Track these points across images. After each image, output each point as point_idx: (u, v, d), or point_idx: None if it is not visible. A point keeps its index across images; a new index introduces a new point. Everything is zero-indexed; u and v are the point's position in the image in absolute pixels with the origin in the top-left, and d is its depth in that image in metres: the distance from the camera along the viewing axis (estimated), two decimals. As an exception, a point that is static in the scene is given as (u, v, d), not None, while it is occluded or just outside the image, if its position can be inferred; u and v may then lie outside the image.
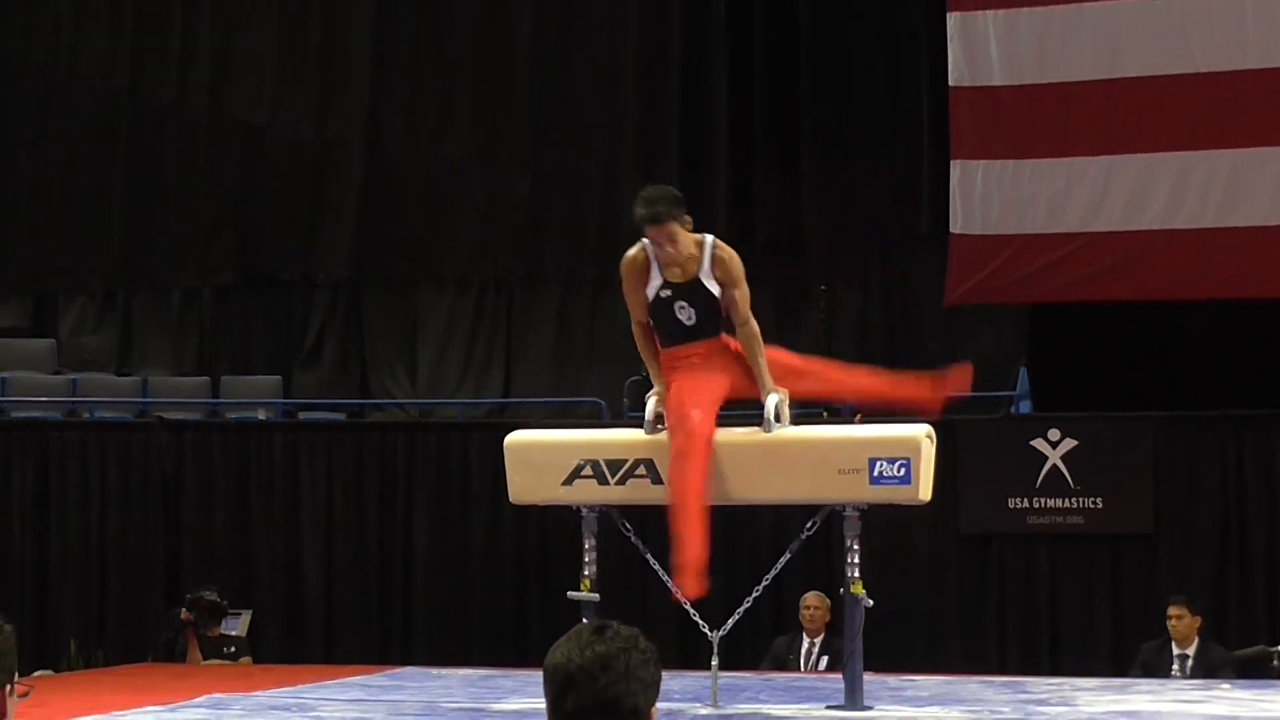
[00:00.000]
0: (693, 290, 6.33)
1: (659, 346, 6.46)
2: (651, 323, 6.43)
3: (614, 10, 13.50)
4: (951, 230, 11.63)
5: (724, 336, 6.43)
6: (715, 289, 6.33)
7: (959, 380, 6.89)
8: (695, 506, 6.18)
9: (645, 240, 6.38)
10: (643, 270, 6.40)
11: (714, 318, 6.36)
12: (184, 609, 10.64)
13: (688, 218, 6.33)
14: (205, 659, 10.47)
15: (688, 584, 6.22)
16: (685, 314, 6.34)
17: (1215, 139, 11.13)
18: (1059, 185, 11.42)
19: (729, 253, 6.37)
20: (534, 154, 13.53)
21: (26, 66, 14.34)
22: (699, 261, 6.32)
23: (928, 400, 6.71)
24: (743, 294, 6.35)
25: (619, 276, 13.09)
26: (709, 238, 6.38)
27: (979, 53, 11.54)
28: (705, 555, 6.19)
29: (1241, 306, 11.61)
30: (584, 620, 6.15)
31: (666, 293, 6.35)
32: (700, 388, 6.31)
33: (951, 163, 11.66)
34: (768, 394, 6.28)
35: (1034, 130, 11.51)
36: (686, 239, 6.31)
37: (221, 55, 14.02)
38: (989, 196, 11.53)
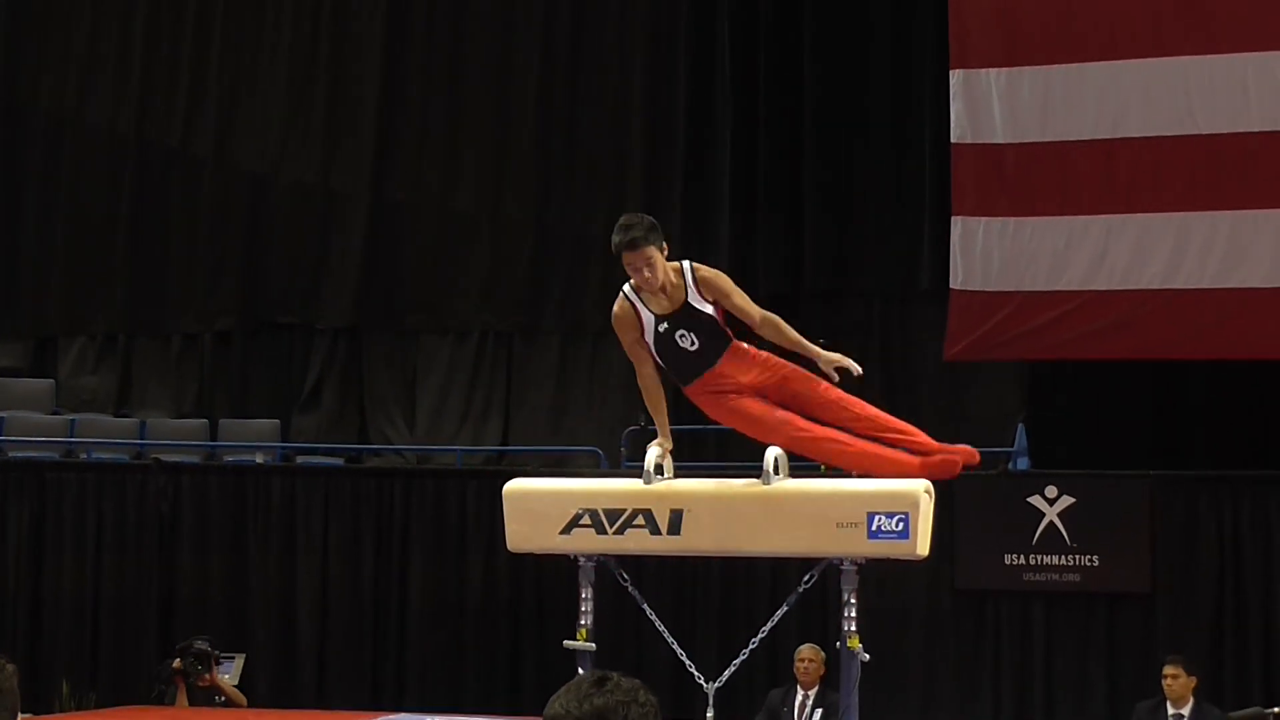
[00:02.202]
0: (687, 314, 6.31)
1: (682, 388, 6.46)
2: (664, 365, 6.41)
3: (620, 66, 13.58)
4: (951, 286, 11.65)
5: (735, 345, 6.40)
6: (708, 308, 6.31)
7: (956, 462, 6.54)
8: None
9: (625, 289, 6.39)
10: (633, 318, 6.38)
11: (715, 337, 6.34)
12: (176, 659, 10.62)
13: (664, 244, 6.30)
14: (193, 707, 10.43)
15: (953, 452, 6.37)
16: (687, 340, 6.32)
17: (1215, 200, 11.17)
18: (1059, 243, 11.45)
19: (710, 271, 6.36)
20: (537, 207, 13.58)
21: (34, 111, 14.43)
22: (683, 288, 6.31)
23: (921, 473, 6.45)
24: (742, 299, 6.34)
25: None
26: (686, 263, 6.36)
27: (981, 110, 11.59)
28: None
29: (1240, 367, 11.63)
30: (580, 670, 6.18)
31: (664, 326, 6.33)
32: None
33: (953, 219, 11.70)
34: (820, 357, 6.28)
35: (1035, 188, 11.55)
36: (664, 265, 6.28)
37: (228, 103, 14.10)
38: (989, 253, 11.56)
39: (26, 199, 14.40)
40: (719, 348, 6.36)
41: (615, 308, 6.44)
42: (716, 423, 6.68)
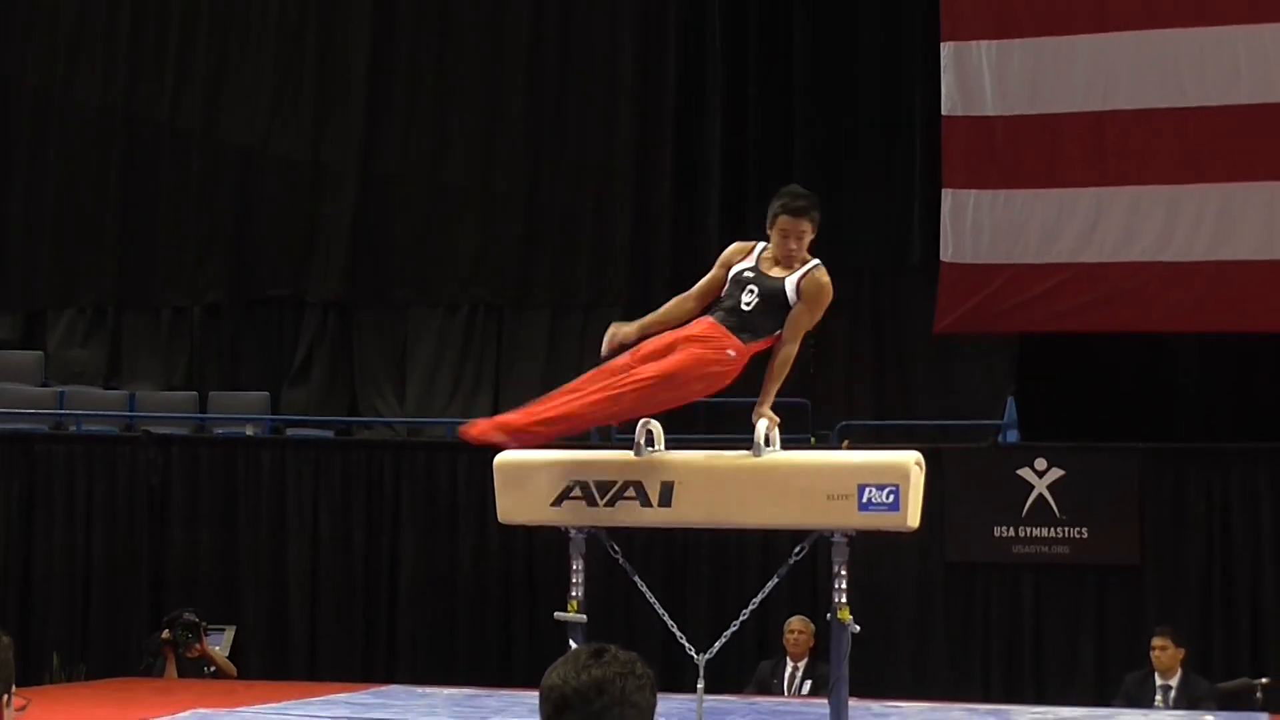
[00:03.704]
0: (771, 284, 6.31)
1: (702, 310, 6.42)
2: (721, 295, 6.38)
3: (610, 39, 13.55)
4: (942, 259, 11.66)
5: (758, 346, 6.35)
6: (791, 296, 6.30)
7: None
8: (568, 410, 6.27)
9: (765, 243, 6.40)
10: (739, 253, 6.42)
11: (769, 317, 6.29)
12: (165, 630, 10.64)
13: (815, 231, 6.37)
14: (183, 679, 10.45)
15: (481, 425, 6.31)
16: (749, 296, 6.30)
17: (1205, 173, 11.18)
18: (1049, 216, 11.46)
19: (825, 279, 6.34)
20: (527, 180, 13.56)
21: (23, 85, 14.40)
22: (795, 271, 6.34)
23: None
24: (808, 318, 6.33)
25: (608, 301, 13.06)
26: (817, 260, 6.38)
27: (972, 83, 11.59)
28: (515, 425, 6.29)
29: (1230, 340, 11.66)
30: (571, 642, 6.18)
31: (750, 273, 6.34)
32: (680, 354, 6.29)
33: (943, 192, 11.70)
34: (758, 417, 6.28)
35: (1025, 161, 11.55)
36: (805, 247, 6.33)
37: (216, 77, 14.07)
38: (980, 226, 11.56)
39: (15, 173, 14.37)
40: (757, 327, 6.31)
41: (740, 242, 6.48)
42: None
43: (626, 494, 6.30)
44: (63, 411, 13.18)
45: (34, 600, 12.06)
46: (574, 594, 6.49)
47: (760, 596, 6.54)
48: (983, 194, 11.59)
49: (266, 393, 13.62)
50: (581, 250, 13.44)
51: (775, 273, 6.34)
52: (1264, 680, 9.75)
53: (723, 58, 13.19)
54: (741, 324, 6.29)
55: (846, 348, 12.98)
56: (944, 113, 11.69)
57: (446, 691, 9.10)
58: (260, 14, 14.08)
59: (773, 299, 6.29)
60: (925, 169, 12.42)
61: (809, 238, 6.33)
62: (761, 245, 6.43)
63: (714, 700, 7.75)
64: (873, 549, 9.38)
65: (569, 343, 13.42)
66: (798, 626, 10.34)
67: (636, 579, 6.56)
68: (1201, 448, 11.21)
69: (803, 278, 6.31)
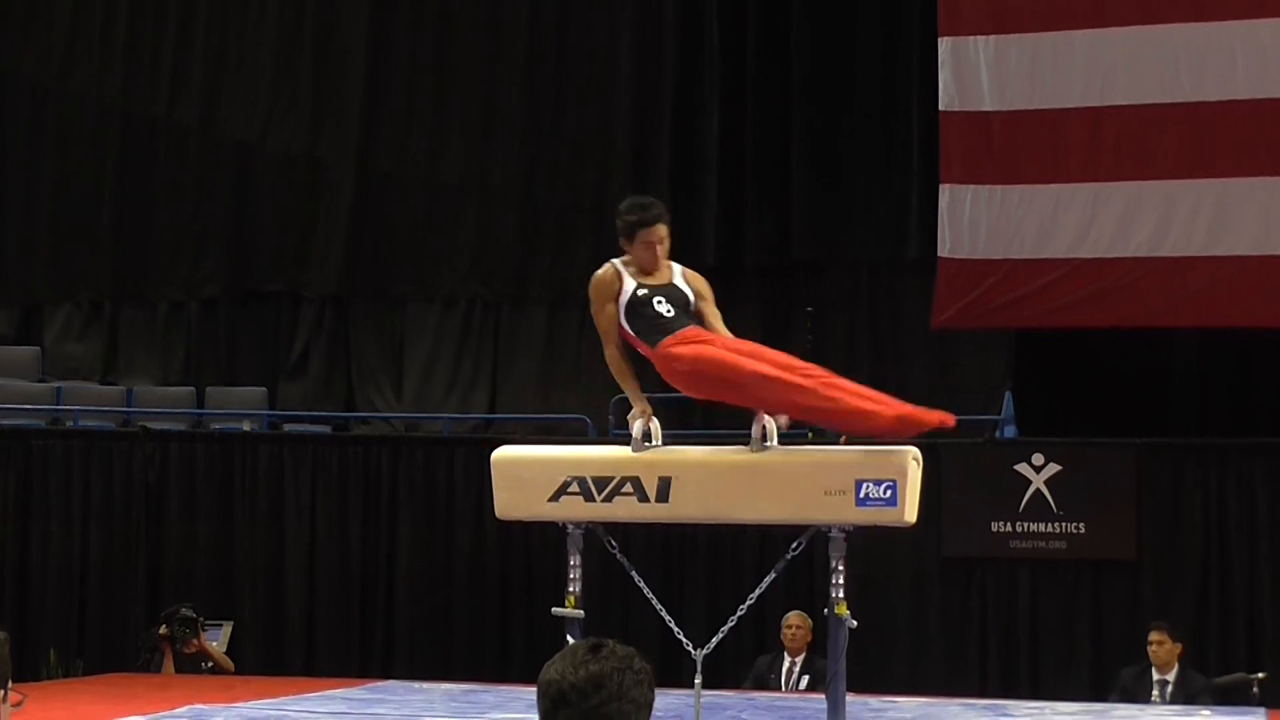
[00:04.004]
0: (669, 288, 6.40)
1: (648, 348, 6.38)
2: (632, 329, 6.38)
3: (608, 34, 13.54)
4: (939, 254, 11.67)
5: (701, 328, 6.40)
6: (689, 292, 6.41)
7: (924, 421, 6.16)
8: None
9: (615, 261, 6.46)
10: (613, 283, 6.41)
11: (688, 311, 6.37)
12: (162, 625, 10.64)
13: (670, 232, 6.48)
14: (180, 674, 10.44)
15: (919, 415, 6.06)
16: (664, 307, 6.35)
17: (1203, 168, 11.19)
18: (1047, 211, 11.46)
19: (697, 274, 6.55)
20: (525, 176, 13.56)
21: (19, 78, 14.38)
22: (670, 271, 6.47)
23: (892, 430, 6.18)
24: (715, 308, 6.45)
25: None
26: (676, 264, 6.51)
27: (969, 78, 11.59)
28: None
29: (1227, 335, 11.66)
30: (569, 637, 6.18)
31: (643, 291, 6.37)
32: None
33: (940, 187, 11.71)
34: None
35: (1023, 156, 11.56)
36: (667, 251, 6.44)
37: (214, 71, 14.05)
38: (977, 221, 11.57)
39: (12, 167, 14.36)
40: (689, 320, 6.38)
41: (599, 272, 6.48)
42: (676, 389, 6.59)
43: (624, 489, 6.30)
44: (59, 407, 13.17)
45: (30, 596, 12.05)
46: (571, 589, 6.49)
47: (758, 592, 6.53)
48: (980, 189, 11.59)
49: (263, 388, 13.62)
50: (579, 246, 13.42)
51: (657, 280, 6.41)
52: (1260, 675, 9.76)
53: (720, 54, 13.18)
54: (676, 324, 6.35)
55: (844, 342, 12.98)
56: (941, 108, 11.69)
57: (444, 687, 9.11)
58: (258, 9, 14.07)
59: (681, 302, 6.39)
60: (923, 164, 12.42)
61: (668, 241, 6.44)
62: (619, 265, 6.45)
63: (711, 695, 7.76)
64: (869, 544, 9.37)
65: (566, 339, 13.42)
66: (795, 621, 10.35)
67: (634, 574, 6.56)
68: (1199, 443, 11.21)
69: (684, 274, 6.47)
